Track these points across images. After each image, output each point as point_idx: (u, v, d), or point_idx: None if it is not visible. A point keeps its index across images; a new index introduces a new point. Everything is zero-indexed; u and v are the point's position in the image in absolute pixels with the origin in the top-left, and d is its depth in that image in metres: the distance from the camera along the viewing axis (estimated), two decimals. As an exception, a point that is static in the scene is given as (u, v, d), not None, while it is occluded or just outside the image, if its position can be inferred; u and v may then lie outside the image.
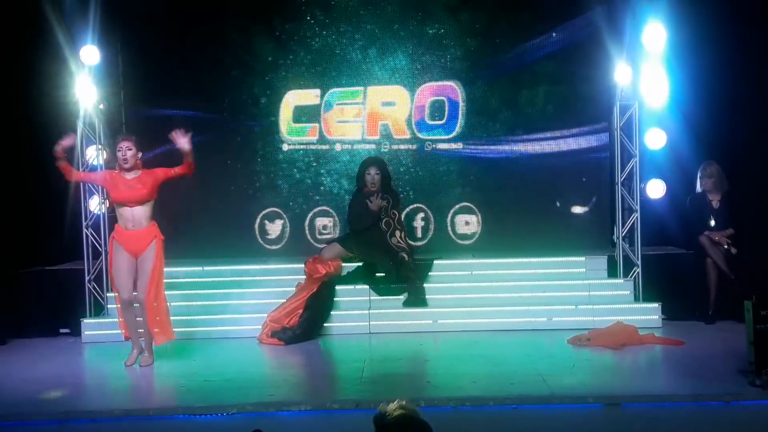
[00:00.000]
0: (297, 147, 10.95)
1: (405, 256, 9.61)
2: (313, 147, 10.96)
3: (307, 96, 10.92)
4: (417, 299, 9.50)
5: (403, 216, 10.36)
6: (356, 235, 9.85)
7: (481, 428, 6.48)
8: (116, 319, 8.53)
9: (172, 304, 8.69)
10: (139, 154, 8.15)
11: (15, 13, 9.78)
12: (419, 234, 10.81)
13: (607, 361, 8.01)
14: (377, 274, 9.72)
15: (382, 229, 9.70)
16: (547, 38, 10.65)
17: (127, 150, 8.08)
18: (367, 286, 9.60)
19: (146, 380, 7.90)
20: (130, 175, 8.10)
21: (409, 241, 10.02)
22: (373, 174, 9.80)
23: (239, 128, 10.93)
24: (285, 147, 10.91)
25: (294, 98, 10.93)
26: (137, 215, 8.08)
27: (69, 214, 9.91)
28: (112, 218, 9.46)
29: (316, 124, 10.94)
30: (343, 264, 9.74)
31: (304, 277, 9.58)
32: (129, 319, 8.23)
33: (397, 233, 9.71)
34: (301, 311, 9.14)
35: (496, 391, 6.97)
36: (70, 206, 9.87)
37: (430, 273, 9.81)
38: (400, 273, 9.57)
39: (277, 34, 10.84)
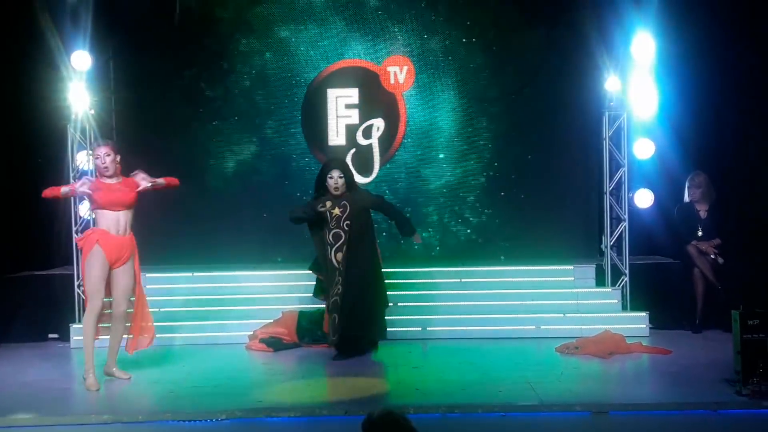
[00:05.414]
0: (288, 151, 10.93)
1: (340, 279, 8.44)
2: (303, 150, 10.93)
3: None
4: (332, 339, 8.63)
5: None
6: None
7: (470, 435, 6.51)
8: (104, 325, 7.82)
9: (161, 309, 8.68)
10: (119, 158, 7.70)
11: (7, 17, 9.78)
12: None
13: (594, 370, 8.04)
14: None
15: (327, 240, 8.56)
16: (537, 47, 10.68)
17: (106, 156, 7.60)
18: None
19: (136, 386, 7.86)
20: (111, 180, 7.68)
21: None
22: (336, 177, 8.48)
23: (225, 131, 10.92)
24: (274, 153, 10.93)
25: (293, 99, 10.91)
26: (122, 221, 7.64)
27: (58, 219, 9.89)
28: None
29: (312, 127, 10.90)
30: None
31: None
32: (92, 333, 7.59)
33: (344, 250, 8.47)
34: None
35: (485, 398, 7.00)
36: (59, 211, 9.85)
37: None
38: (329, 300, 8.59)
39: (274, 42, 10.83)
